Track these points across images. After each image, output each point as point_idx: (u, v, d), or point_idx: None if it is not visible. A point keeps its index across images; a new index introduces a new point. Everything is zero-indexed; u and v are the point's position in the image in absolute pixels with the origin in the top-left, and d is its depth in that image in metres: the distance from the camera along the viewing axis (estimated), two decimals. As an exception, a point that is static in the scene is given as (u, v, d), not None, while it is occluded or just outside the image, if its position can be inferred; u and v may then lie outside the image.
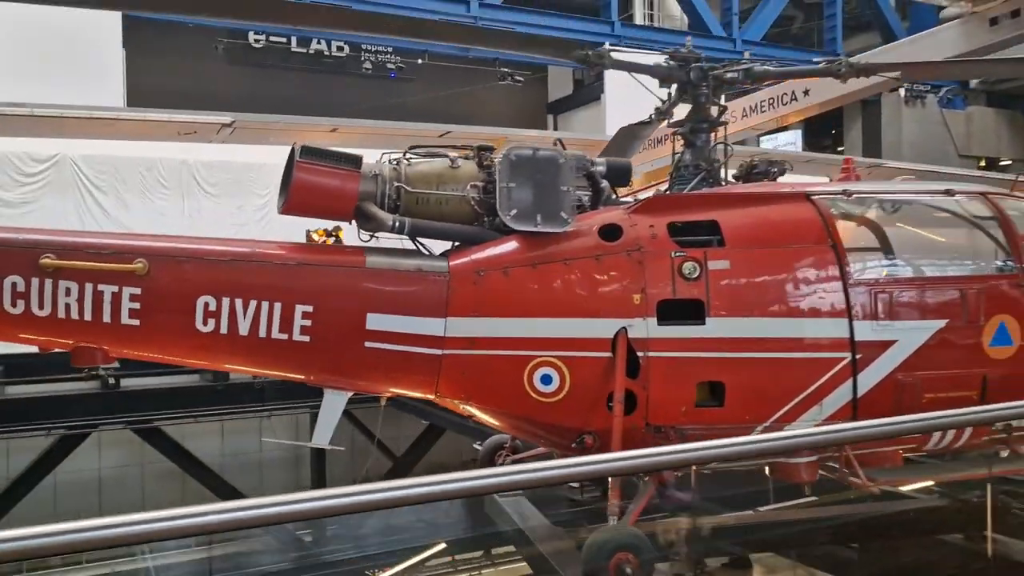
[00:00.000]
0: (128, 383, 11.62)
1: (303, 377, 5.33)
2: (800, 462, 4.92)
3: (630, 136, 6.40)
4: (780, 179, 6.30)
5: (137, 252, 4.72)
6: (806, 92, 11.07)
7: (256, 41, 18.16)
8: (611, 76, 19.39)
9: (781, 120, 13.62)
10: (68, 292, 4.55)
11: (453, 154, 5.27)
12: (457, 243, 5.37)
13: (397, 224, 5.00)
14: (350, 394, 5.17)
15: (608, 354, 4.83)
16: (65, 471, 11.98)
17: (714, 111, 5.90)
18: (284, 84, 19.24)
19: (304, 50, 19.20)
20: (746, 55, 5.29)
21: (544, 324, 4.93)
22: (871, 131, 22.44)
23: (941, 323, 5.04)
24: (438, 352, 4.93)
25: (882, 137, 21.72)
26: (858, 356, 4.87)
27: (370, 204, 4.99)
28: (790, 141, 24.20)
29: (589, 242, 5.04)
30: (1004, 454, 5.53)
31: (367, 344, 4.91)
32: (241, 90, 18.50)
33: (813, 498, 6.23)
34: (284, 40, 18.75)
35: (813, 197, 5.34)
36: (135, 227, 12.99)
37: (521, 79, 21.00)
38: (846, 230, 5.35)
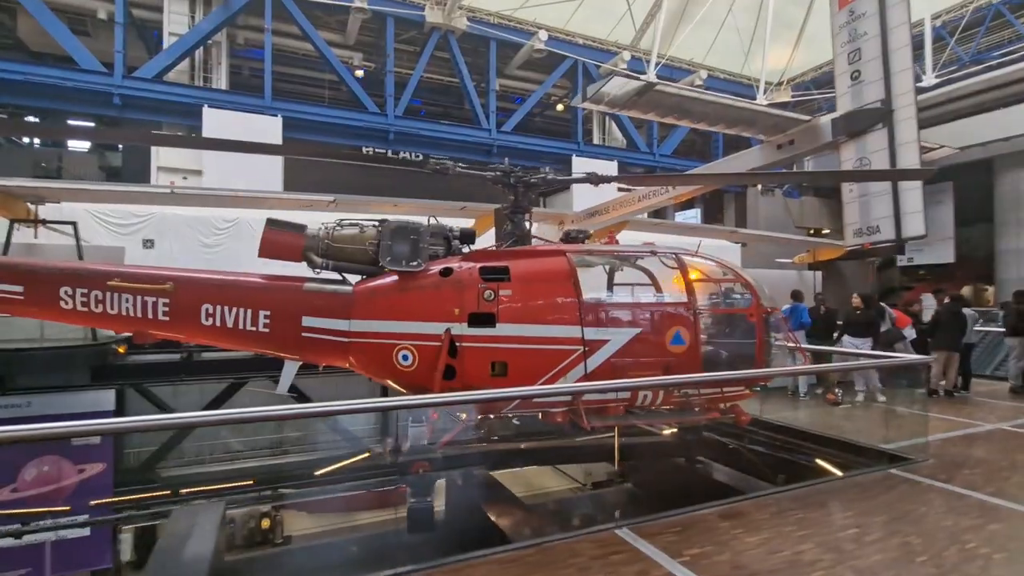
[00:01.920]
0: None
1: (270, 352, 6.30)
2: (556, 411, 6.11)
3: (501, 215, 7.24)
4: (587, 241, 7.18)
5: (167, 278, 5.98)
6: (672, 187, 13.66)
7: (366, 151, 21.73)
8: (575, 171, 21.36)
9: (675, 199, 15.45)
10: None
11: (365, 223, 6.21)
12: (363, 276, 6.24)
13: (323, 264, 6.06)
14: (300, 362, 6.20)
15: (440, 343, 5.73)
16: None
17: (527, 202, 6.86)
18: (383, 176, 19.74)
19: (396, 156, 21.71)
20: (547, 170, 6.57)
21: (404, 325, 5.87)
22: (741, 211, 26.63)
23: (637, 330, 6.02)
24: (346, 340, 5.88)
25: (747, 214, 25.91)
26: (587, 349, 5.80)
27: (311, 253, 6.03)
28: (692, 216, 28.44)
29: (433, 277, 5.97)
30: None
31: (303, 334, 5.90)
32: (356, 179, 20.28)
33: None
34: (383, 151, 22.25)
35: (567, 253, 6.24)
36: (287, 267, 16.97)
37: (521, 176, 25.60)
38: (583, 273, 6.19)
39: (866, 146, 10.81)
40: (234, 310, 5.86)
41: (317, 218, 7.27)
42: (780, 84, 26.83)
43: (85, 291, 5.76)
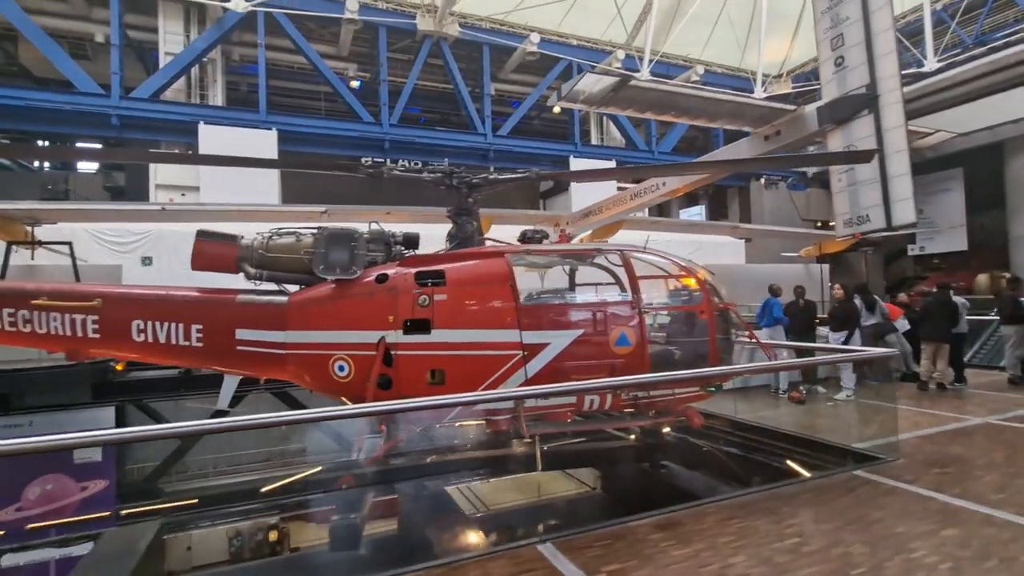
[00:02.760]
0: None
1: (207, 367, 6.22)
2: (500, 419, 5.81)
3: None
4: (545, 241, 6.94)
5: (95, 294, 5.91)
6: (664, 183, 13.26)
7: (365, 162, 22.41)
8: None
9: (669, 195, 14.60)
10: None
11: (304, 232, 6.04)
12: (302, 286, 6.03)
13: (257, 275, 5.92)
14: (240, 376, 6.02)
15: (375, 353, 5.51)
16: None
17: (470, 203, 6.63)
18: (380, 184, 22.46)
19: (394, 165, 22.15)
20: (492, 169, 6.05)
21: (339, 334, 5.67)
22: (745, 206, 26.23)
23: (579, 332, 5.72)
24: (282, 352, 5.71)
25: (751, 209, 25.58)
26: (526, 353, 5.54)
27: (245, 263, 5.92)
28: (696, 212, 27.85)
29: (368, 285, 5.77)
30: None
31: (238, 347, 5.76)
32: (355, 188, 21.72)
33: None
34: (381, 161, 20.35)
35: (505, 254, 5.96)
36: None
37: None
38: (521, 275, 5.90)
39: (852, 133, 10.71)
40: (165, 325, 5.75)
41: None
42: (780, 76, 26.23)
43: (12, 311, 5.64)
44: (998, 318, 11.01)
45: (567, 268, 6.70)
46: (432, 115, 27.77)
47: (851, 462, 5.95)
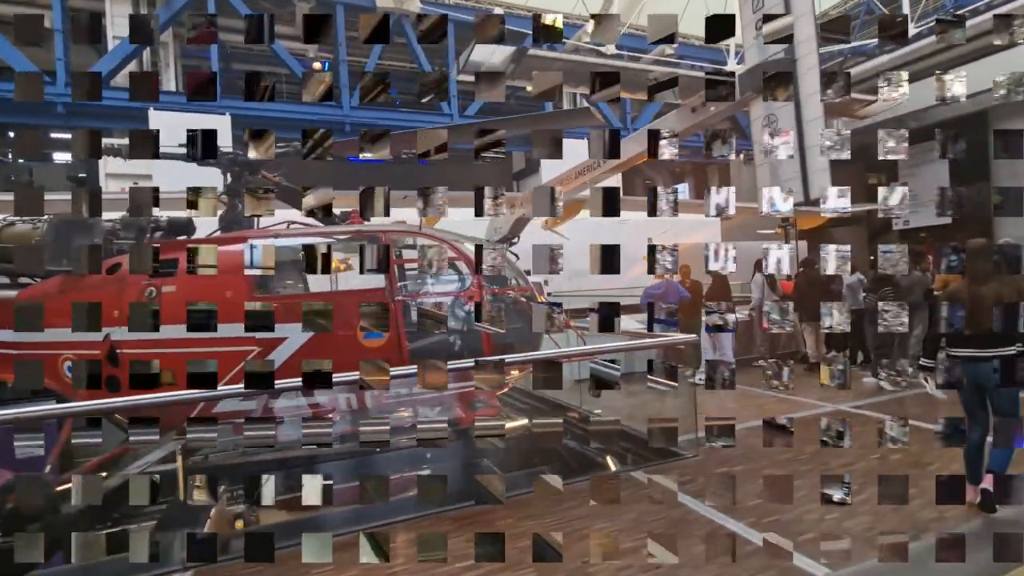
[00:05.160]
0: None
1: None
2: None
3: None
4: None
5: None
6: (602, 161, 11.54)
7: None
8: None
9: (610, 172, 12.54)
10: None
11: (44, 218, 5.68)
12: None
13: None
14: None
15: (99, 352, 5.14)
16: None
17: (239, 183, 6.31)
18: (360, 171, 19.50)
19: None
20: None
21: (65, 332, 4.85)
22: (725, 182, 25.66)
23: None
24: (13, 352, 5.45)
25: (732, 184, 26.61)
26: (261, 349, 5.15)
27: None
28: (682, 190, 27.21)
29: (96, 277, 5.35)
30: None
31: None
32: (327, 176, 18.92)
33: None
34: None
35: (249, 240, 5.42)
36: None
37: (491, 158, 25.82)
38: (265, 261, 4.96)
39: (772, 102, 10.09)
40: None
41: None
42: (760, 47, 25.28)
43: None
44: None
45: (321, 254, 5.99)
46: (408, 96, 27.13)
47: (654, 457, 5.57)
